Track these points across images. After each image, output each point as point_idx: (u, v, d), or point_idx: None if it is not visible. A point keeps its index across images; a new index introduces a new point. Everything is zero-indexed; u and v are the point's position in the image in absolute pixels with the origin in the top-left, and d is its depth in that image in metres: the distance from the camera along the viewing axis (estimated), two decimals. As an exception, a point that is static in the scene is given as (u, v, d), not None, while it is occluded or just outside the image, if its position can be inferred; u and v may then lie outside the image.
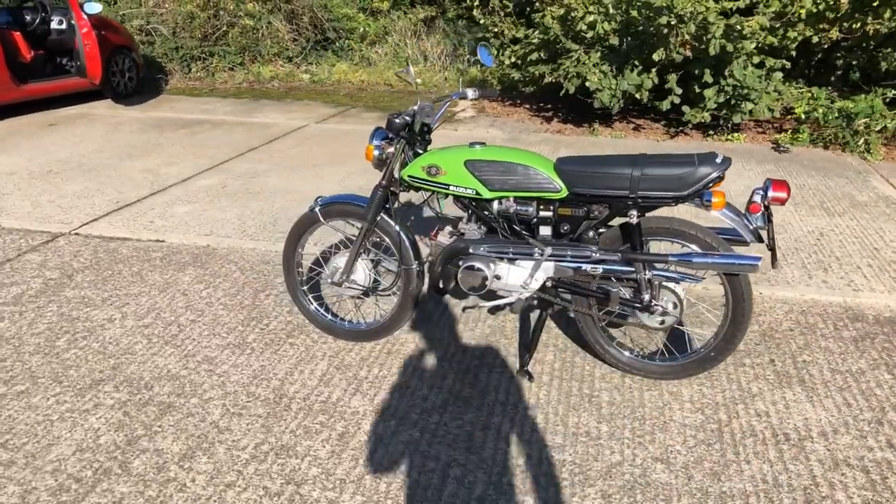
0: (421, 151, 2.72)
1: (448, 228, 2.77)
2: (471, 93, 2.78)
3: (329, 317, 3.04)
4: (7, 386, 2.68)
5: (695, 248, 2.46)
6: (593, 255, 2.50)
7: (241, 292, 3.45)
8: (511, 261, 2.62)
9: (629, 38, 6.53)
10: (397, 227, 2.76)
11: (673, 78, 6.26)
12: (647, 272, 2.49)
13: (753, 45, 5.85)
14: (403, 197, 4.52)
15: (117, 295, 3.42)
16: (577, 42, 6.64)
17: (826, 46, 6.56)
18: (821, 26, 6.21)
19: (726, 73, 6.07)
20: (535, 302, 2.73)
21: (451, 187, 2.61)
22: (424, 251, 2.98)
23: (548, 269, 2.60)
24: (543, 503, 2.09)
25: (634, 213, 2.44)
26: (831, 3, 5.92)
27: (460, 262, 2.66)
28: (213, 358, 2.88)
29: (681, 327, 3.00)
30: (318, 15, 10.50)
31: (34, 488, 2.16)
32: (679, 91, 6.28)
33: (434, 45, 10.65)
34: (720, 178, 2.36)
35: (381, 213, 2.77)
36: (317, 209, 2.85)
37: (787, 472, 2.21)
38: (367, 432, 2.42)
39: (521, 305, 2.65)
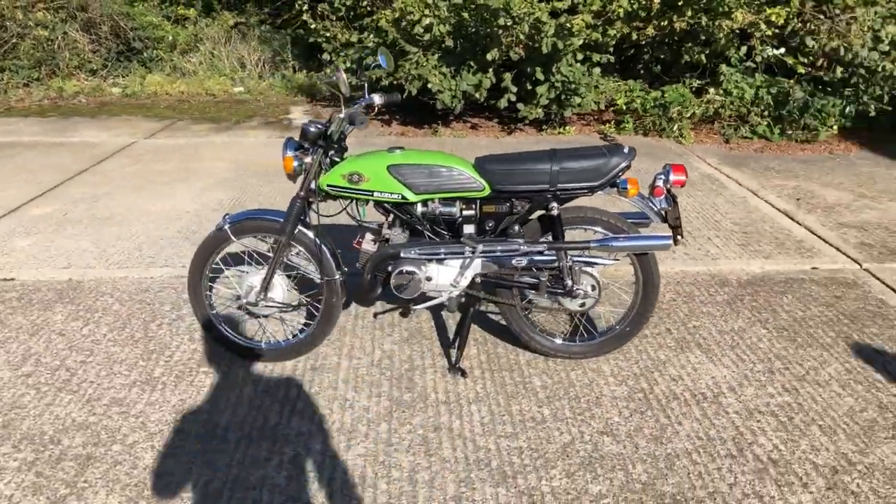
0: (337, 160, 2.67)
1: (369, 235, 2.74)
2: (377, 98, 2.76)
3: (243, 340, 2.88)
4: None
5: (608, 233, 2.66)
6: (521, 248, 2.60)
7: (129, 325, 3.15)
8: (440, 261, 2.66)
9: (462, 41, 6.79)
10: (316, 239, 2.68)
11: (508, 77, 6.61)
12: (568, 259, 2.64)
13: (581, 42, 6.33)
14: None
15: (-23, 344, 2.98)
16: (413, 45, 6.77)
17: (643, 43, 7.27)
18: (636, 24, 6.88)
19: (554, 70, 6.53)
20: (463, 299, 2.79)
21: (376, 193, 2.59)
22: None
23: (476, 266, 2.67)
24: (518, 491, 2.16)
25: (555, 205, 2.58)
26: (643, 2, 6.58)
27: (390, 268, 2.65)
28: (121, 399, 2.61)
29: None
30: (120, 23, 9.73)
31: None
32: (514, 89, 6.64)
33: (251, 52, 10.30)
34: (628, 167, 2.56)
35: (298, 226, 2.68)
36: (226, 227, 2.69)
37: (715, 426, 2.47)
38: (320, 452, 2.33)
39: (456, 303, 2.70)
